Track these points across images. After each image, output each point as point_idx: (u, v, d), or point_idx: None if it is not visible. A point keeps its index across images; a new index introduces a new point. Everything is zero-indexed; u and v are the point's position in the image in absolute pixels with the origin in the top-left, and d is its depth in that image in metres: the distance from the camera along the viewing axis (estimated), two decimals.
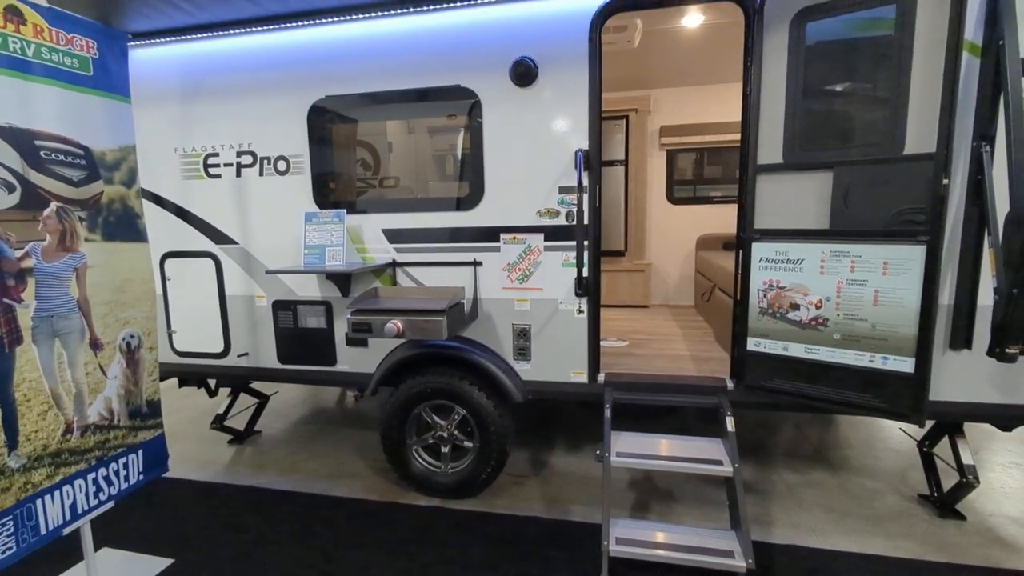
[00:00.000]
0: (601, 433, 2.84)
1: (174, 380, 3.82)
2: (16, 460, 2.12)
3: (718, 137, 5.43)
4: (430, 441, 3.32)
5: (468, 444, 3.25)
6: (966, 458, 2.84)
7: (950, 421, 2.93)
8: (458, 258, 3.14)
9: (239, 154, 3.35)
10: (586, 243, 2.83)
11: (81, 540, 2.52)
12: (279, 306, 3.44)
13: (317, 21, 3.08)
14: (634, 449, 2.83)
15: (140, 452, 2.69)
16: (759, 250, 2.70)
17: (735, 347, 2.91)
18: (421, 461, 3.34)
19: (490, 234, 3.07)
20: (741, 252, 2.79)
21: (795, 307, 2.62)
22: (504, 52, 2.89)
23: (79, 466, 2.37)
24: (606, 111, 5.17)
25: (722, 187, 5.71)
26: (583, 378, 3.09)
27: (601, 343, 3.13)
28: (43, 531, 2.22)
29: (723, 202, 5.65)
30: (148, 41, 3.33)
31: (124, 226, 2.62)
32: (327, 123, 3.29)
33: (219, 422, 4.08)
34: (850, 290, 2.48)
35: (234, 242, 3.45)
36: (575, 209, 2.84)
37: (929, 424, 3.19)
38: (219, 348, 3.57)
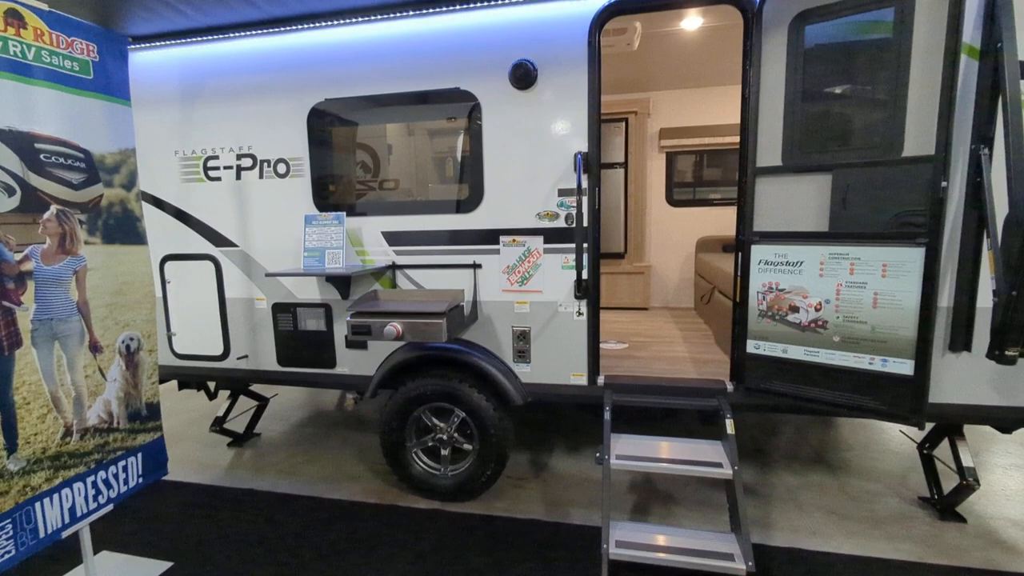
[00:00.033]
0: (601, 435, 2.84)
1: (174, 383, 3.82)
2: (15, 463, 2.11)
3: (717, 139, 5.44)
4: (430, 444, 3.32)
5: (468, 446, 3.25)
6: (966, 460, 2.84)
7: (950, 423, 2.93)
8: (458, 260, 3.14)
9: (239, 157, 3.36)
10: (585, 245, 2.84)
11: (80, 543, 2.52)
12: (279, 309, 3.44)
13: (316, 24, 3.09)
14: (634, 452, 2.83)
15: (139, 455, 2.68)
16: (758, 252, 2.70)
17: (735, 349, 2.91)
18: (421, 464, 3.34)
19: (490, 236, 3.08)
20: (740, 254, 2.79)
21: (794, 309, 2.62)
22: (503, 55, 2.89)
23: (78, 469, 2.37)
24: (605, 113, 5.19)
25: (722, 189, 5.72)
26: (583, 380, 3.09)
27: (601, 345, 3.13)
28: (42, 534, 2.22)
29: (723, 204, 5.66)
30: (148, 44, 3.33)
31: (124, 229, 2.62)
32: (327, 126, 3.30)
33: (219, 425, 4.08)
34: (849, 292, 2.48)
35: (234, 245, 3.45)
36: (574, 212, 2.85)
37: (929, 426, 3.19)
38: (219, 351, 3.57)
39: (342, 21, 3.05)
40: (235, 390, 4.12)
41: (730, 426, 2.76)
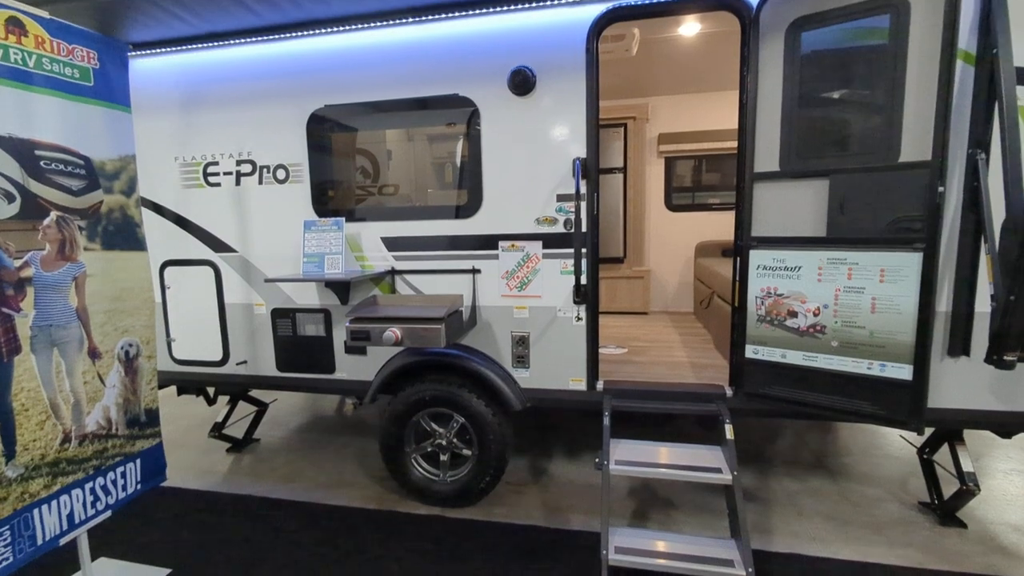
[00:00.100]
0: (600, 441, 2.84)
1: (173, 388, 3.82)
2: (13, 470, 2.11)
3: (716, 144, 5.46)
4: (429, 449, 3.31)
5: (467, 452, 3.24)
6: (966, 465, 2.83)
7: (949, 428, 2.93)
8: (457, 266, 3.15)
9: (238, 163, 3.37)
10: (584, 251, 2.84)
11: (78, 550, 2.51)
12: (278, 314, 3.44)
13: (316, 31, 3.11)
14: (633, 457, 2.83)
15: (138, 461, 2.68)
16: (757, 257, 2.71)
17: (734, 354, 2.91)
18: (420, 469, 3.33)
19: (489, 242, 3.08)
20: (739, 259, 2.80)
21: (793, 314, 2.62)
22: (502, 61, 2.91)
23: (77, 475, 2.36)
24: (604, 119, 5.19)
25: (720, 194, 5.73)
26: (582, 385, 3.08)
27: (600, 350, 3.13)
28: (40, 541, 2.21)
29: (721, 209, 5.67)
30: (148, 51, 3.35)
31: (123, 235, 2.63)
32: (326, 132, 3.31)
33: (218, 430, 4.07)
34: (847, 297, 2.48)
35: (233, 250, 3.46)
36: (573, 217, 2.85)
37: (928, 431, 3.18)
38: (218, 356, 3.57)
39: (341, 28, 3.07)
40: (234, 395, 4.12)
41: (729, 431, 2.75)
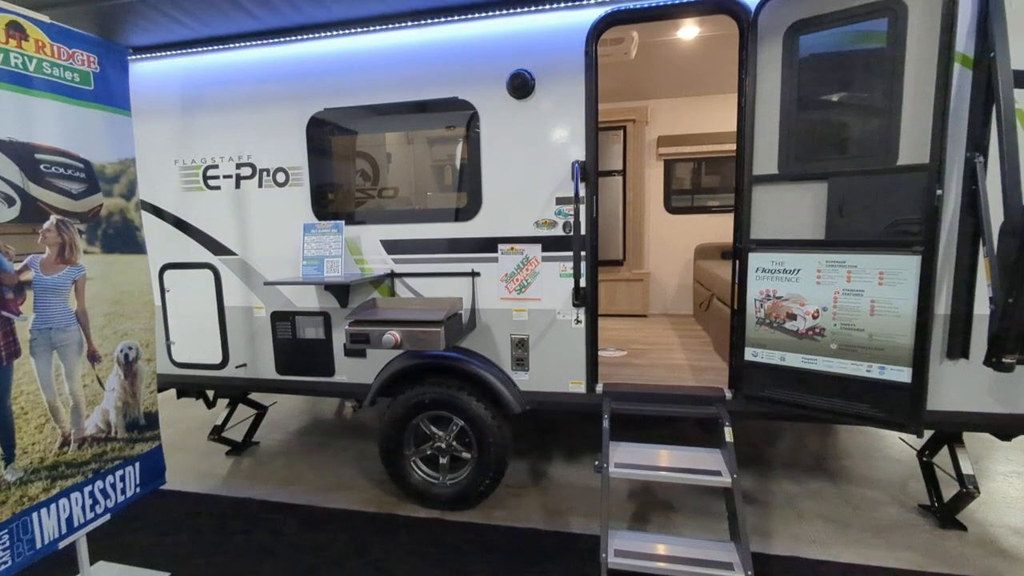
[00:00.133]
0: (599, 443, 2.84)
1: (172, 391, 3.82)
2: (12, 473, 2.11)
3: (715, 147, 5.47)
4: (428, 452, 3.31)
5: (466, 455, 3.24)
6: (966, 468, 2.83)
7: (949, 431, 2.92)
8: (456, 269, 3.15)
9: (238, 166, 3.37)
10: (583, 253, 2.84)
11: (77, 553, 2.51)
12: (277, 317, 3.44)
13: (316, 35, 3.12)
14: (632, 460, 2.82)
15: (137, 464, 2.68)
16: (756, 260, 2.71)
17: (733, 357, 2.91)
18: (419, 472, 3.33)
19: (488, 245, 3.09)
20: (738, 262, 2.80)
21: (792, 317, 2.63)
22: (501, 65, 2.91)
23: (75, 479, 2.36)
24: (604, 121, 5.22)
25: (720, 196, 5.74)
26: (581, 388, 3.08)
27: (600, 353, 3.13)
28: (39, 545, 2.21)
29: (721, 211, 5.67)
30: (148, 55, 3.36)
31: (123, 238, 2.63)
32: (326, 135, 3.32)
33: (217, 433, 4.06)
34: (846, 300, 2.48)
35: (233, 253, 3.46)
36: (572, 220, 2.86)
37: (928, 434, 3.19)
38: (217, 359, 3.57)
39: (340, 32, 3.08)
40: (234, 398, 4.12)
41: (729, 434, 2.76)
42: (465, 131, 3.09)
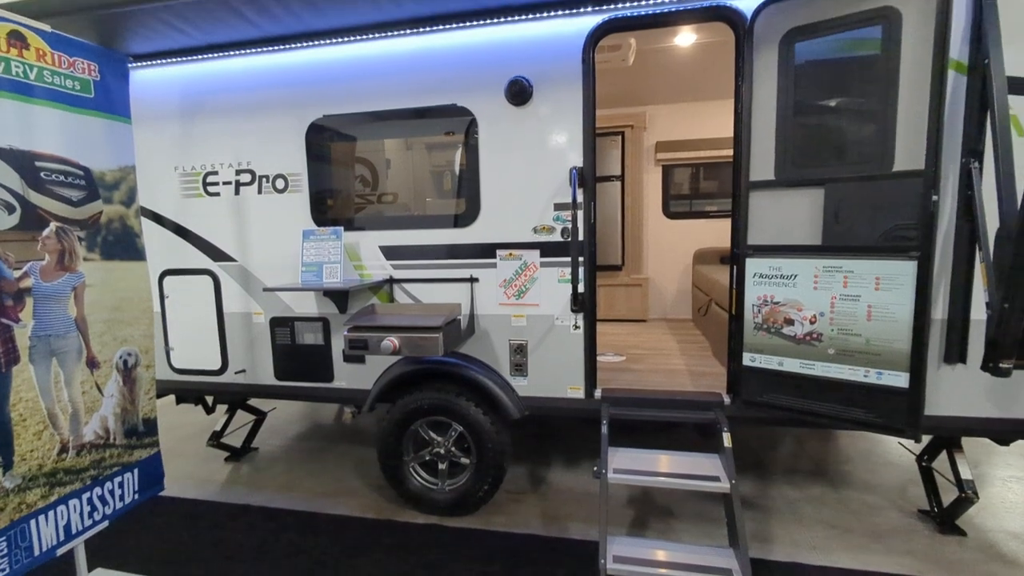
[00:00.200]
0: (598, 449, 2.84)
1: (171, 397, 3.82)
2: (11, 480, 2.11)
3: (713, 152, 5.49)
4: (427, 458, 3.31)
5: (465, 461, 3.24)
6: (964, 473, 2.83)
7: (947, 435, 2.93)
8: (455, 274, 3.16)
9: (238, 172, 3.39)
10: (581, 259, 2.85)
11: (75, 560, 2.50)
12: (276, 323, 3.45)
13: (315, 43, 3.13)
14: (631, 465, 2.82)
15: (136, 471, 2.68)
16: (753, 265, 2.72)
17: (731, 362, 2.91)
18: (418, 478, 3.32)
19: (486, 250, 3.10)
20: (735, 267, 2.81)
21: (789, 322, 2.63)
22: (499, 72, 2.93)
23: (74, 486, 2.36)
24: (602, 127, 5.24)
25: (718, 201, 5.76)
26: (580, 394, 3.09)
27: (598, 358, 3.13)
28: (37, 552, 2.21)
29: (719, 216, 5.69)
30: (148, 62, 3.38)
31: (123, 245, 2.64)
32: (325, 141, 3.33)
33: (216, 439, 4.06)
34: (843, 305, 2.49)
35: (232, 259, 3.47)
36: (570, 225, 2.87)
37: (927, 439, 3.19)
38: (216, 365, 3.58)
39: (339, 39, 3.10)
40: (233, 404, 4.11)
41: (727, 439, 2.75)
42: (464, 137, 3.11)
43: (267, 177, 3.35)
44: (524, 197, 3.00)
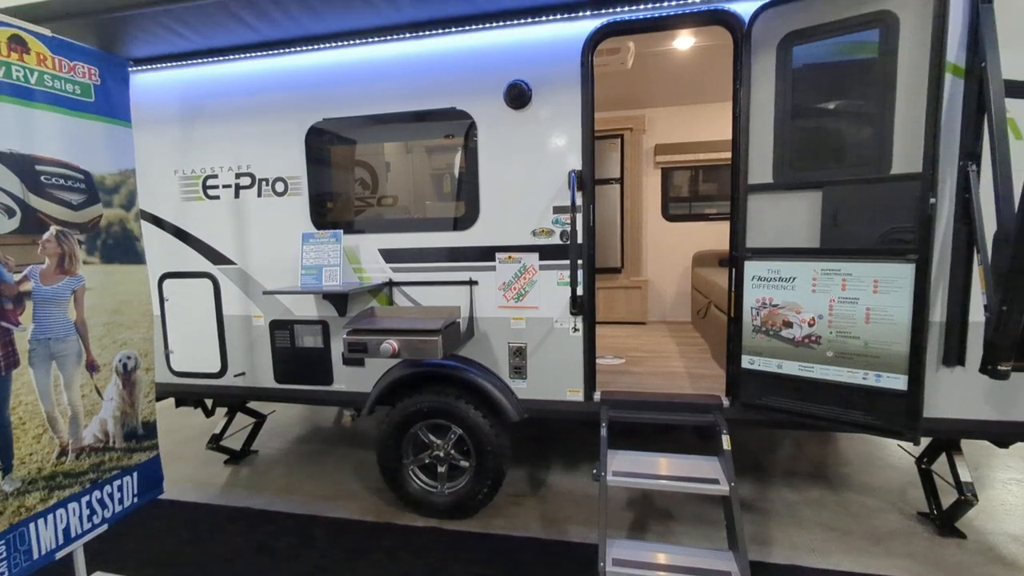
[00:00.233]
0: (598, 452, 2.84)
1: (170, 400, 3.82)
2: (10, 484, 2.11)
3: (712, 155, 5.50)
4: (426, 461, 3.31)
5: (464, 463, 3.24)
6: (964, 475, 2.83)
7: (946, 438, 2.93)
8: (454, 277, 3.16)
9: (238, 176, 3.40)
10: (580, 262, 2.86)
11: (74, 564, 2.50)
12: (276, 326, 3.45)
13: (314, 47, 3.15)
14: (630, 468, 2.82)
15: (135, 474, 2.67)
16: (751, 268, 2.72)
17: (730, 365, 2.91)
18: (418, 481, 3.32)
19: (485, 253, 3.10)
20: (734, 270, 2.81)
21: (788, 325, 2.64)
22: (498, 75, 2.94)
23: (73, 489, 2.36)
24: (601, 130, 5.25)
25: (717, 204, 5.77)
26: (579, 396, 3.09)
27: (598, 360, 3.13)
28: (36, 555, 2.21)
29: (718, 219, 5.70)
30: (149, 66, 3.39)
31: (123, 248, 2.64)
32: (324, 145, 3.34)
33: (215, 442, 4.06)
34: (842, 308, 2.49)
35: (232, 262, 3.47)
36: (569, 228, 2.87)
37: (926, 441, 3.18)
38: (216, 368, 3.58)
39: (338, 43, 3.11)
40: (232, 407, 4.11)
41: (726, 442, 2.76)
42: (463, 141, 3.12)
43: (267, 180, 3.36)
44: (523, 200, 3.01)
